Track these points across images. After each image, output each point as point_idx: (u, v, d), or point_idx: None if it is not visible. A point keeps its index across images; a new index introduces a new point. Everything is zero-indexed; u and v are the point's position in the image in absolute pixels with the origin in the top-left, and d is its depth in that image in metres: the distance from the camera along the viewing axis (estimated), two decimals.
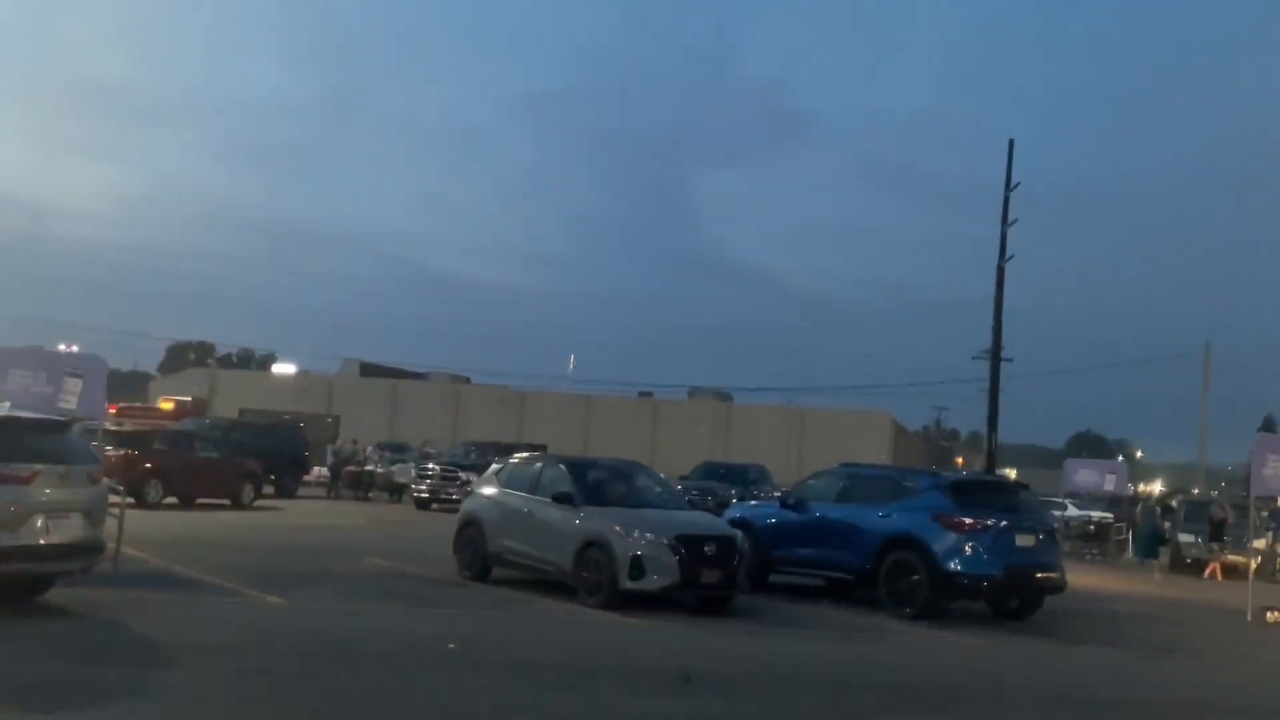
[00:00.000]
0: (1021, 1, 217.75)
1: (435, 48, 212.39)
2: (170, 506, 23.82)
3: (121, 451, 23.33)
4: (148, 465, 23.82)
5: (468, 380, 66.85)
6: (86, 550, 10.61)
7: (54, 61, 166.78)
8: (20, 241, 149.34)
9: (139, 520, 16.47)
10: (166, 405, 45.58)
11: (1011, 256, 35.51)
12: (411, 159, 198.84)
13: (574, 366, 74.40)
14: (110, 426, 24.51)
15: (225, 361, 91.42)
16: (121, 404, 40.48)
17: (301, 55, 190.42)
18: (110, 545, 13.47)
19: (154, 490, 23.58)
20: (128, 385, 69.83)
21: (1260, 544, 23.96)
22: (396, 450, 40.35)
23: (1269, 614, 17.16)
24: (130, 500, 15.61)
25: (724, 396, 65.13)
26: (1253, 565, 18.57)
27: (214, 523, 21.56)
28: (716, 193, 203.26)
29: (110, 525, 13.81)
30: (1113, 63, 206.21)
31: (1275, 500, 28.82)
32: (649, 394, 65.39)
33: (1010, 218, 35.43)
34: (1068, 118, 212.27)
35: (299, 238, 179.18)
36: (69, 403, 14.81)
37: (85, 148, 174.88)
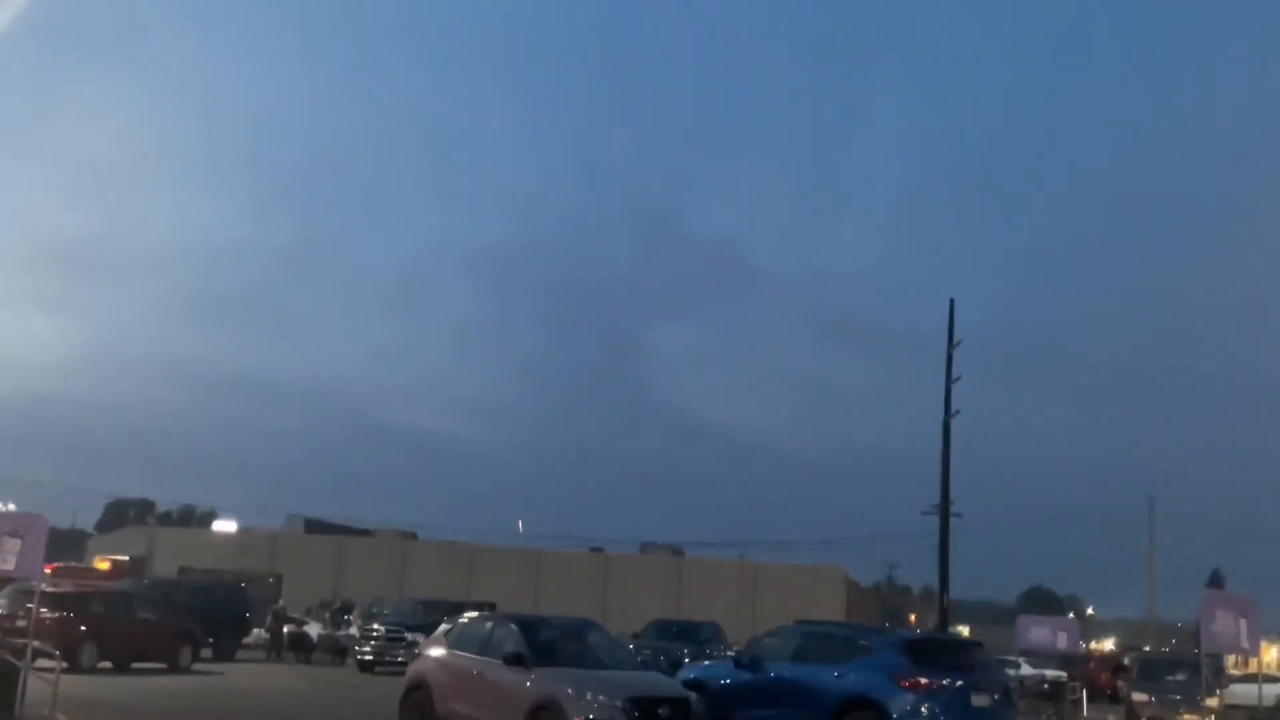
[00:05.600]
0: (965, 160, 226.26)
1: (390, 200, 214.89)
2: (105, 670, 22.98)
3: (57, 614, 22.62)
4: (83, 628, 23.07)
5: (415, 536, 65.97)
6: None
7: (4, 213, 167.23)
8: None
9: (73, 685, 15.92)
10: (103, 565, 44.42)
11: (957, 412, 36.12)
12: (363, 311, 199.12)
13: (522, 529, 73.45)
14: (46, 588, 23.76)
15: (165, 519, 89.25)
16: (59, 564, 39.33)
17: (255, 208, 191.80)
18: (45, 713, 13.05)
19: (89, 654, 22.78)
20: (66, 542, 68.02)
21: (1213, 702, 23.87)
22: (342, 610, 39.45)
23: None
24: (64, 665, 15.09)
25: (676, 551, 64.75)
26: None
27: (150, 688, 20.81)
28: (668, 345, 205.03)
29: (45, 691, 13.40)
30: (1055, 219, 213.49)
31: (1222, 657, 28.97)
32: (600, 549, 64.85)
33: (955, 374, 36.19)
34: (1011, 273, 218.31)
35: (245, 391, 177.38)
36: (7, 563, 14.52)
37: (33, 299, 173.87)
